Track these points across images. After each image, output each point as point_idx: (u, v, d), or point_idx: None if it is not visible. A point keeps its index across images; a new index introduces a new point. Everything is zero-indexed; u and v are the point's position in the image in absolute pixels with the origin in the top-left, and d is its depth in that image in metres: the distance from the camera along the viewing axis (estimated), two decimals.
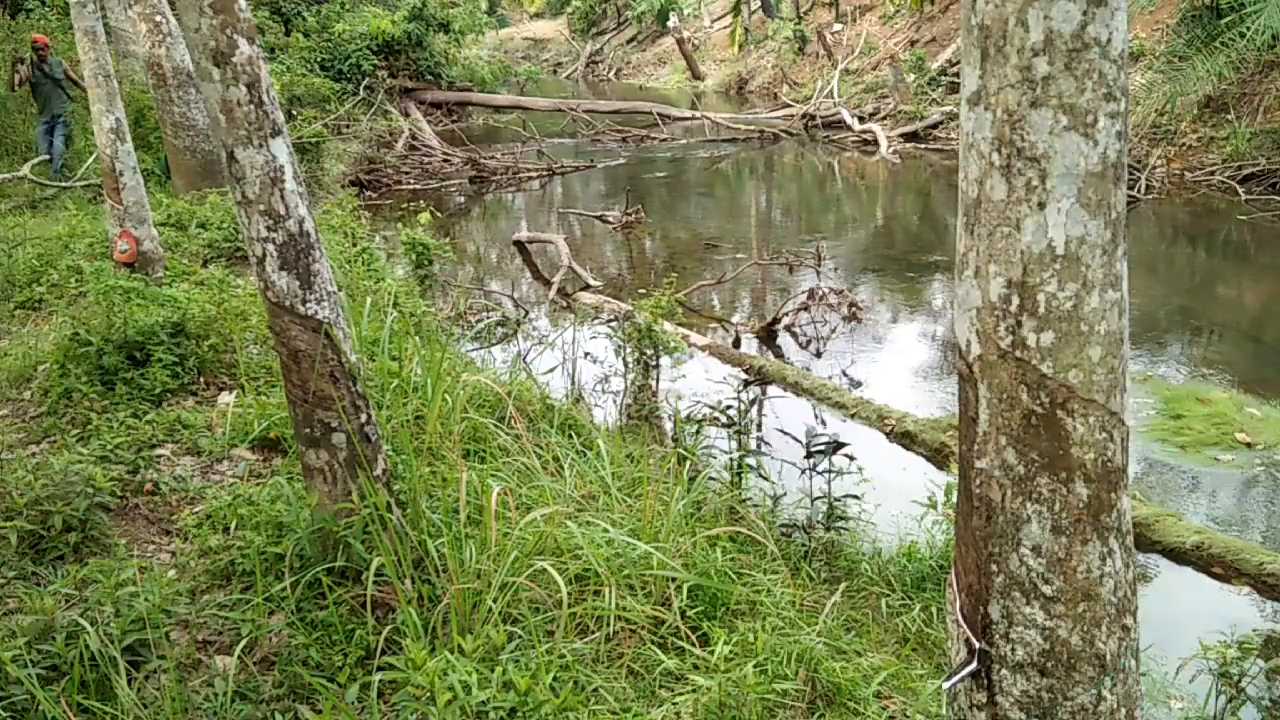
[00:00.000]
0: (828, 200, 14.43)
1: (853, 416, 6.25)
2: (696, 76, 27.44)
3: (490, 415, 4.78)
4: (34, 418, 4.85)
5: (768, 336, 7.94)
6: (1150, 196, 11.70)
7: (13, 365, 5.39)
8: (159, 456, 4.41)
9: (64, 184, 10.38)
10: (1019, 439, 1.57)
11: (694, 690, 2.89)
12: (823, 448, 4.54)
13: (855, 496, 4.56)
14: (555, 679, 2.83)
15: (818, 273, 9.07)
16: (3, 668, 2.69)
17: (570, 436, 4.83)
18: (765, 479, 4.85)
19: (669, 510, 3.70)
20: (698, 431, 5.32)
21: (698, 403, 5.51)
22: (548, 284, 9.08)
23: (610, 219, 11.88)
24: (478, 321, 8.09)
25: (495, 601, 3.08)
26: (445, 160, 15.52)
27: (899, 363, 7.60)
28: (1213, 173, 11.88)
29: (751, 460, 4.93)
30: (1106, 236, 1.50)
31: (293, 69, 15.71)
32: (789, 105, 19.58)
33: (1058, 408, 1.54)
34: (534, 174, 15.16)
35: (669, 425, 6.06)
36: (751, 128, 18.19)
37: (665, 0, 29.21)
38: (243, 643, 3.04)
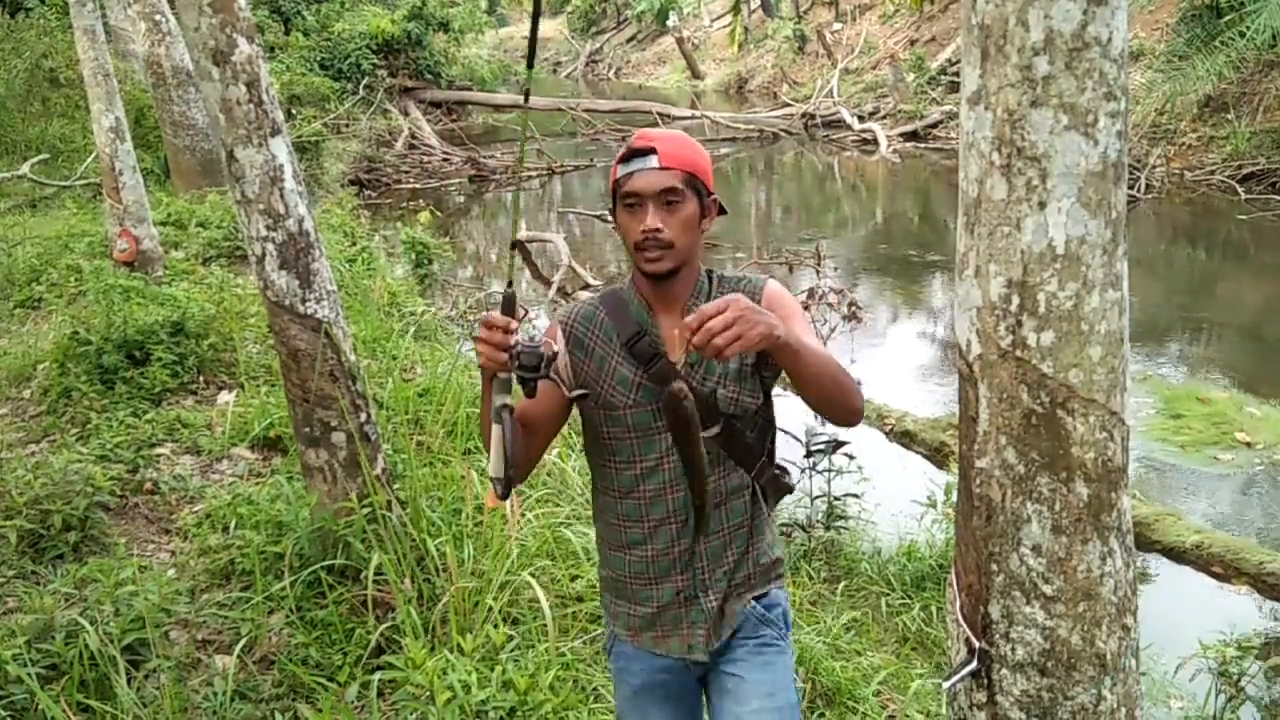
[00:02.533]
0: (827, 199, 14.43)
1: None
2: (696, 76, 27.44)
3: None
4: (33, 417, 4.85)
5: None
6: (1150, 196, 11.70)
7: (12, 364, 5.39)
8: (158, 455, 4.41)
9: (64, 183, 10.38)
10: (1019, 438, 1.57)
11: None
12: (822, 447, 4.54)
13: (855, 495, 4.56)
14: (555, 678, 2.83)
15: (817, 272, 9.07)
16: (2, 666, 2.69)
17: (570, 435, 4.82)
18: None
19: None
20: None
21: None
22: (547, 283, 9.08)
23: (610, 218, 11.87)
24: (477, 321, 8.09)
25: (495, 601, 3.08)
26: (445, 159, 15.52)
27: (899, 362, 7.60)
28: (1213, 172, 11.88)
29: None
30: (1107, 236, 1.50)
31: (292, 68, 15.70)
32: (789, 105, 19.56)
33: (1058, 407, 1.54)
34: (534, 173, 15.16)
35: None
36: (751, 127, 18.18)
37: None
38: (242, 642, 3.05)
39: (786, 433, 4.91)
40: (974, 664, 1.68)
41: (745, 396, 1.81)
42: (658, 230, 1.74)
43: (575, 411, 1.89)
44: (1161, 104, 12.44)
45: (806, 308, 8.07)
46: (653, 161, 1.75)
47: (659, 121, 18.20)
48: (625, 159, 1.78)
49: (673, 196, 1.74)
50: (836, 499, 4.55)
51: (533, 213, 13.88)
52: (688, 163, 1.77)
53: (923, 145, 15.99)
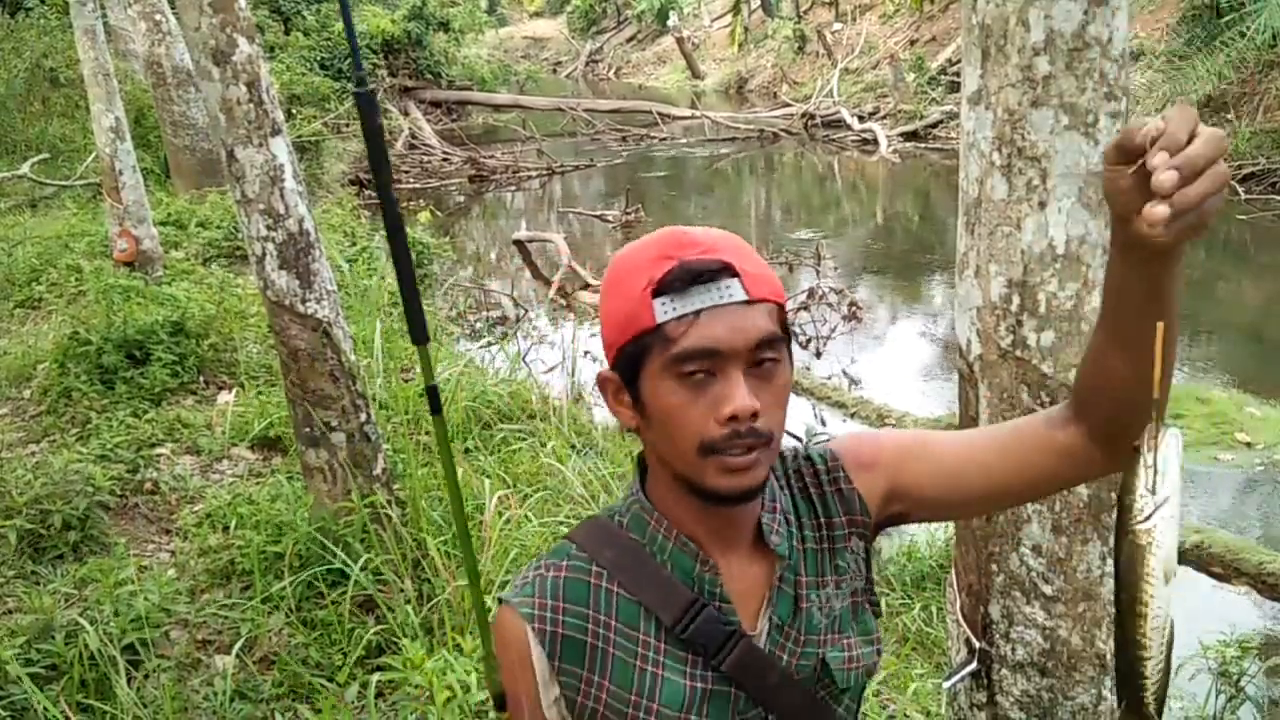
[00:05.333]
0: (827, 199, 14.42)
1: (853, 416, 6.25)
2: (696, 75, 27.43)
3: (494, 415, 4.78)
4: (33, 417, 4.85)
5: None
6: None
7: (12, 364, 5.39)
8: (158, 455, 4.42)
9: (64, 183, 10.38)
10: None
11: None
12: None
13: None
14: None
15: (817, 272, 9.06)
16: (2, 667, 2.69)
17: (570, 434, 4.82)
18: None
19: None
20: None
21: None
22: (547, 283, 9.08)
23: (610, 218, 11.88)
24: (477, 321, 8.09)
25: (494, 601, 3.08)
26: (445, 159, 15.52)
27: (899, 362, 7.60)
28: None
29: None
30: (1108, 236, 1.50)
31: (292, 68, 15.69)
32: (788, 104, 19.56)
33: None
34: (534, 173, 15.16)
35: None
36: (751, 127, 18.18)
37: None
38: (241, 641, 3.05)
39: (786, 432, 4.91)
40: (974, 664, 1.69)
41: (864, 651, 1.09)
42: (755, 415, 0.94)
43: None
44: (1162, 104, 12.43)
45: (806, 308, 8.06)
46: (735, 290, 0.95)
47: (658, 121, 18.22)
48: (674, 284, 0.94)
49: (770, 353, 0.96)
50: None
51: (533, 212, 13.87)
52: (777, 289, 1.00)
53: (923, 145, 15.98)
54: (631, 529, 1.04)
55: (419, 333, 0.83)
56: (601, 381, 1.03)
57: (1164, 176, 0.74)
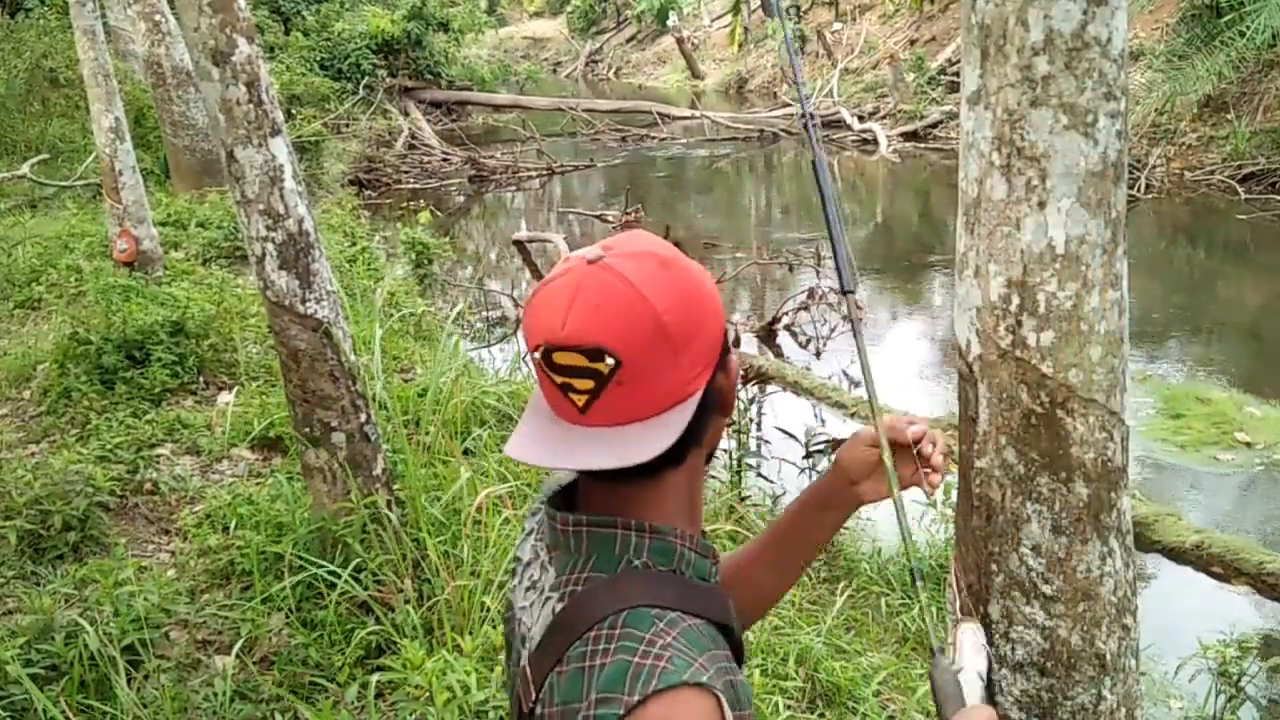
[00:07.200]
0: None
1: (852, 416, 6.25)
2: (696, 76, 27.44)
3: (494, 415, 4.78)
4: (33, 417, 4.85)
5: (767, 336, 7.94)
6: (1150, 196, 11.70)
7: (12, 365, 5.39)
8: (158, 456, 4.42)
9: (64, 183, 10.38)
10: (1019, 438, 1.57)
11: None
12: (822, 446, 4.55)
13: None
14: None
15: (817, 272, 9.06)
16: (3, 667, 2.69)
17: None
18: (765, 478, 4.85)
19: None
20: None
21: None
22: None
23: (610, 218, 11.88)
24: (477, 321, 8.09)
25: (493, 601, 3.08)
26: (445, 159, 15.51)
27: (899, 362, 7.60)
28: (1213, 172, 11.88)
29: (751, 459, 4.93)
30: (1107, 236, 1.50)
31: (292, 68, 15.69)
32: (788, 104, 19.56)
33: (1058, 407, 1.54)
34: (533, 173, 15.15)
35: None
36: (751, 127, 18.18)
37: None
38: (241, 642, 3.05)
39: (786, 433, 4.92)
40: None
41: None
42: None
43: None
44: (1161, 104, 12.44)
45: (806, 308, 8.06)
46: None
47: (658, 121, 18.20)
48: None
49: None
50: None
51: (533, 212, 13.87)
52: None
53: (923, 145, 15.99)
54: (659, 564, 1.01)
55: (848, 280, 0.90)
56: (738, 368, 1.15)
57: (938, 458, 1.18)
